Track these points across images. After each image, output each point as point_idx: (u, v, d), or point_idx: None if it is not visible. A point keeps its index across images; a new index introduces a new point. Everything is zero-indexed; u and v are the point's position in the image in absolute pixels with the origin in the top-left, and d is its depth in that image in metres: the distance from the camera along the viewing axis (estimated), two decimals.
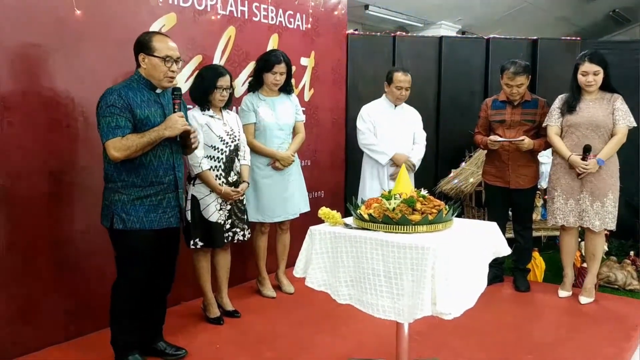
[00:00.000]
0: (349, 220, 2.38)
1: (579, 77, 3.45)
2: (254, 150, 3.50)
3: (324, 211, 2.35)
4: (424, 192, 2.38)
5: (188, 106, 3.34)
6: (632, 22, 10.60)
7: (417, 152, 3.97)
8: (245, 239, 3.31)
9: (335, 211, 2.37)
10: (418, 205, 2.23)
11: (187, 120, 2.60)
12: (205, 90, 3.08)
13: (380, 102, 4.00)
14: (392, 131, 3.90)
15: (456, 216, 2.37)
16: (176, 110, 2.52)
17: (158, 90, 2.56)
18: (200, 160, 3.02)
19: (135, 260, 2.53)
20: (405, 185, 2.37)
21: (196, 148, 2.75)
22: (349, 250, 2.22)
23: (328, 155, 4.65)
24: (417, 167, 3.95)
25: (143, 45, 2.50)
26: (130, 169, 2.47)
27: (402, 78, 3.83)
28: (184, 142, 2.63)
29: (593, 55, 3.42)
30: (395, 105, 3.95)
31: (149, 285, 2.63)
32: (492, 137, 3.69)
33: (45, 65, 2.76)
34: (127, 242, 2.51)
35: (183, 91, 3.35)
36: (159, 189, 2.54)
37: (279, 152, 3.56)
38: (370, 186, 3.96)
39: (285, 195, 3.62)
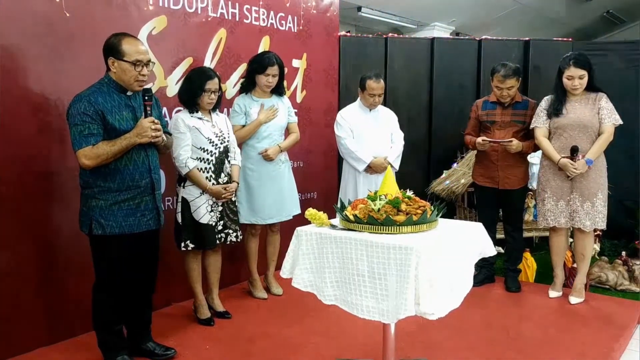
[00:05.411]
0: (335, 221, 2.39)
1: (565, 81, 3.47)
2: (244, 137, 3.50)
3: (310, 212, 2.37)
4: (409, 192, 2.39)
5: (177, 108, 3.36)
6: (626, 22, 10.64)
7: (394, 152, 3.92)
8: (238, 240, 3.32)
9: (321, 212, 2.38)
10: (403, 206, 2.24)
11: (160, 119, 2.58)
12: (193, 93, 3.08)
13: (355, 107, 3.98)
14: (369, 134, 3.87)
15: (447, 217, 2.38)
16: (148, 113, 2.48)
17: (129, 93, 2.53)
18: (186, 160, 3.03)
19: (114, 264, 2.54)
20: (391, 186, 2.38)
21: (166, 147, 2.72)
22: (335, 251, 2.23)
23: (320, 157, 4.66)
24: (397, 168, 3.90)
25: (112, 48, 2.45)
26: (106, 174, 2.46)
27: (374, 85, 3.80)
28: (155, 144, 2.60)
29: (578, 59, 3.42)
30: (370, 109, 3.94)
31: (130, 286, 2.64)
32: (480, 139, 3.71)
33: (34, 68, 2.76)
34: (106, 247, 2.51)
35: (173, 94, 3.39)
36: (135, 193, 2.54)
37: (263, 116, 3.53)
38: (352, 189, 3.93)
39: (279, 197, 3.63)
